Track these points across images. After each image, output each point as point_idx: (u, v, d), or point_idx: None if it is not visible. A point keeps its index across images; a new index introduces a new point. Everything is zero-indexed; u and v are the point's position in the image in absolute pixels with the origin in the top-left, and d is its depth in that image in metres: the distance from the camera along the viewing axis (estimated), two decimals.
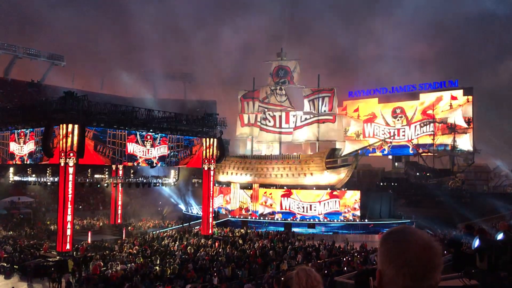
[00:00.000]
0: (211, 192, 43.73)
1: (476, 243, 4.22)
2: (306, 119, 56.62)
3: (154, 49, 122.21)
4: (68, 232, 31.80)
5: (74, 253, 32.44)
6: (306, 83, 58.70)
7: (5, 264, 30.70)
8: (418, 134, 64.10)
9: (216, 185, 51.98)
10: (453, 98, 62.20)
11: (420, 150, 62.53)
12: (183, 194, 59.38)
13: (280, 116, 57.66)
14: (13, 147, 37.89)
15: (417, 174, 61.64)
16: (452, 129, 60.02)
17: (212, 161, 43.26)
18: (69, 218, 31.78)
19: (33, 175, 40.57)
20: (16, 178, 42.02)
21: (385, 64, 79.71)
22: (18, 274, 29.11)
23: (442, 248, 1.90)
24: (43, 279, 26.56)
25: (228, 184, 55.23)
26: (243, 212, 53.52)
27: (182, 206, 58.88)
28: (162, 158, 39.46)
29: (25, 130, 36.70)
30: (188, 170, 54.28)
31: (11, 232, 42.51)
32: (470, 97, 61.30)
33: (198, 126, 42.66)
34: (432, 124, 62.49)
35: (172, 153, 40.19)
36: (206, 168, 43.10)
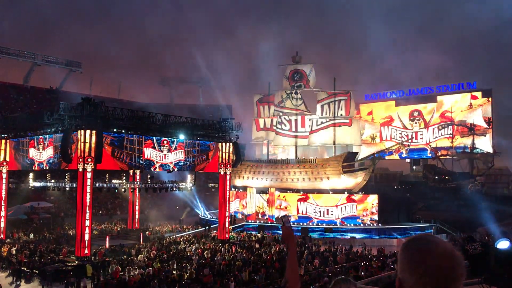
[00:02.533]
0: (227, 197, 43.75)
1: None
2: (322, 122, 56.36)
3: (170, 55, 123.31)
4: (86, 237, 32.07)
5: (93, 257, 32.72)
6: (322, 86, 58.50)
7: (25, 269, 31.12)
8: (436, 137, 63.33)
9: (232, 189, 52.00)
10: (473, 97, 61.36)
11: (439, 153, 61.75)
12: (200, 199, 59.56)
13: (296, 120, 57.51)
14: (33, 153, 38.48)
15: (436, 177, 60.83)
16: (471, 129, 59.16)
17: (228, 165, 43.30)
18: (87, 223, 32.07)
19: (52, 181, 41.11)
20: (36, 183, 42.60)
21: (402, 66, 79.08)
22: (38, 278, 29.48)
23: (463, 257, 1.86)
24: (62, 283, 26.82)
25: (244, 188, 55.22)
26: (260, 216, 53.44)
27: (199, 211, 59.06)
28: (178, 163, 39.65)
29: (44, 136, 37.25)
30: (205, 175, 54.47)
31: (32, 237, 43.14)
32: (483, 100, 60.52)
33: (214, 131, 42.80)
34: (450, 127, 61.71)
35: (188, 158, 40.37)
36: (222, 173, 43.17)
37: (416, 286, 1.75)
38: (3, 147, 41.18)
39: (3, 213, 40.85)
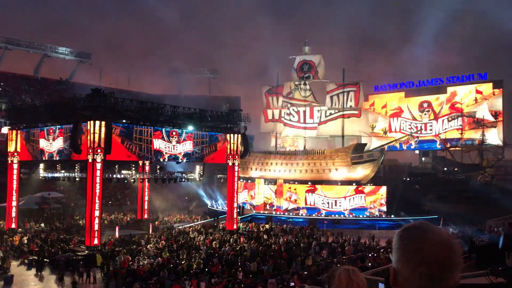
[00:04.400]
0: (236, 188, 43.91)
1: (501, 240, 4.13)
2: (330, 114, 56.16)
3: (180, 46, 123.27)
4: (96, 227, 32.36)
5: (102, 247, 33.07)
6: (331, 77, 58.23)
7: (36, 258, 31.58)
8: (445, 129, 62.90)
9: (241, 180, 52.13)
10: (478, 92, 60.77)
11: (448, 145, 61.35)
12: (208, 190, 59.82)
13: (305, 111, 57.39)
14: (43, 144, 38.84)
15: (445, 169, 60.48)
16: (479, 123, 58.64)
17: (237, 156, 43.41)
18: (97, 213, 32.37)
19: (62, 171, 41.48)
20: (46, 174, 43.02)
21: (413, 57, 78.39)
22: (49, 267, 29.90)
23: (461, 245, 1.83)
24: (73, 272, 27.19)
25: (253, 179, 55.35)
26: (268, 207, 53.59)
27: (207, 201, 59.34)
28: (187, 154, 39.83)
29: (54, 127, 37.56)
30: (213, 166, 54.63)
31: (43, 226, 43.68)
32: (497, 90, 59.78)
33: (223, 122, 42.87)
34: (460, 118, 61.20)
35: (197, 149, 40.52)
36: (230, 164, 43.30)
37: (412, 276, 1.70)
38: (14, 137, 41.59)
39: (14, 203, 41.36)
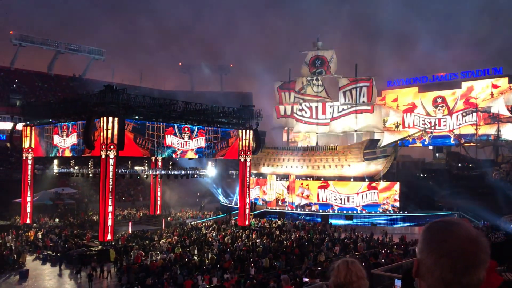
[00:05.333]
0: (248, 184, 43.90)
1: None
2: (343, 109, 55.82)
3: (192, 42, 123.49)
4: (109, 222, 32.61)
5: (116, 243, 33.31)
6: (344, 73, 57.78)
7: (50, 253, 31.93)
8: (460, 124, 62.05)
9: (253, 176, 52.11)
10: (494, 86, 59.83)
11: (462, 140, 60.58)
12: (221, 185, 59.92)
13: (317, 107, 57.11)
14: (57, 140, 39.20)
15: (459, 165, 59.75)
16: (494, 118, 57.77)
17: (248, 152, 43.39)
18: (110, 208, 32.59)
19: (76, 167, 41.85)
20: (60, 170, 43.42)
21: (427, 51, 77.60)
22: (64, 262, 30.20)
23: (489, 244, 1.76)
24: (87, 267, 27.45)
25: (265, 175, 55.29)
26: (280, 203, 53.52)
27: (219, 197, 59.46)
28: (199, 150, 39.90)
29: (67, 123, 37.87)
30: (225, 162, 54.69)
31: (57, 221, 44.15)
32: None
33: (235, 118, 42.86)
34: (474, 114, 60.36)
35: (209, 145, 40.58)
36: (242, 160, 43.30)
37: (434, 267, 1.67)
38: (28, 134, 42.04)
39: (29, 199, 41.86)
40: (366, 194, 49.22)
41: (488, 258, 1.68)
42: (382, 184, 49.33)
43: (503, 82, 59.59)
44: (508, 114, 57.86)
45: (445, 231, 1.71)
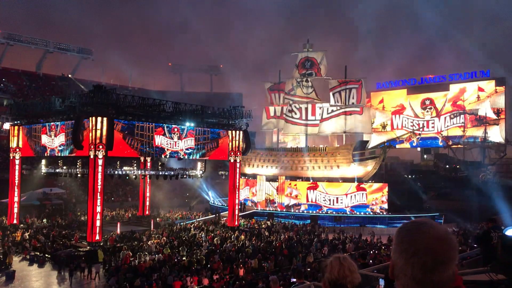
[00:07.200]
0: (237, 184, 43.90)
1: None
2: (332, 111, 56.09)
3: (181, 43, 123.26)
4: (98, 223, 32.43)
5: (104, 243, 33.13)
6: (334, 74, 58.03)
7: (38, 253, 31.66)
8: (448, 126, 62.68)
9: (242, 177, 52.13)
10: (480, 89, 60.54)
11: (450, 142, 61.16)
12: (210, 186, 59.86)
13: (306, 108, 57.32)
14: (45, 139, 38.87)
15: (447, 166, 60.35)
16: (481, 120, 58.45)
17: (238, 153, 43.42)
18: (98, 209, 32.41)
19: (64, 167, 41.54)
20: (48, 170, 43.07)
21: (416, 53, 78.20)
22: (51, 263, 29.97)
23: (458, 241, 1.84)
24: (75, 268, 27.26)
25: (254, 176, 55.35)
26: (269, 204, 53.62)
27: (208, 198, 59.39)
28: (188, 151, 39.83)
29: (56, 123, 37.56)
30: (215, 162, 54.68)
31: (45, 222, 43.78)
32: (500, 88, 59.54)
33: (224, 118, 42.85)
34: (462, 116, 60.99)
35: (198, 146, 40.52)
36: (232, 161, 43.30)
37: (406, 266, 1.73)
38: (16, 133, 41.63)
39: (16, 199, 41.43)
40: (354, 195, 49.51)
41: (456, 255, 1.75)
42: (373, 186, 49.59)
43: (488, 85, 60.31)
44: (494, 116, 58.56)
45: (415, 231, 1.76)
